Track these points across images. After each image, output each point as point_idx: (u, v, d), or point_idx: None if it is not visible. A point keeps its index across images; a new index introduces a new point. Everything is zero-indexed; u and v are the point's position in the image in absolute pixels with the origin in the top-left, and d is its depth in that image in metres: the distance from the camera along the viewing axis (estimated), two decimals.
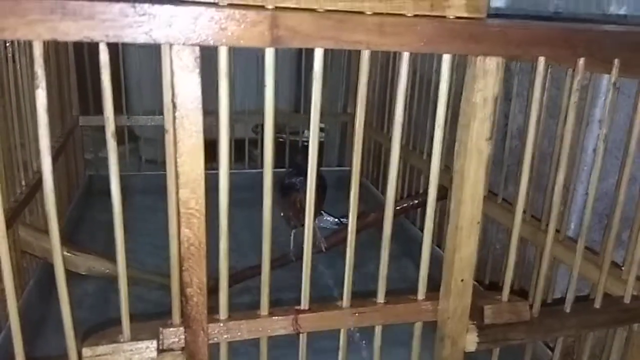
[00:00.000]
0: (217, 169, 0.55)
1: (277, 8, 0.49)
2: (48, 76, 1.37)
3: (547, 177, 0.95)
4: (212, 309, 0.60)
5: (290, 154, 1.87)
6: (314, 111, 0.57)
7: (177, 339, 0.59)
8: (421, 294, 0.68)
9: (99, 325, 0.60)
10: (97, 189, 1.76)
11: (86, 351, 0.54)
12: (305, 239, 0.65)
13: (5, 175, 1.02)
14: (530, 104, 0.63)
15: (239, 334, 0.62)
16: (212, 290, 0.59)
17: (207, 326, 0.58)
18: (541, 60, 0.59)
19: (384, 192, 1.74)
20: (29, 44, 1.24)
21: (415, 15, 0.54)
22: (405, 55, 0.57)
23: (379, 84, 1.72)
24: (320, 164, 1.37)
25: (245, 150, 1.97)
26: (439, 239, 1.41)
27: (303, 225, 1.41)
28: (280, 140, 2.00)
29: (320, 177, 1.33)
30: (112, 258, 1.19)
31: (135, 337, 0.57)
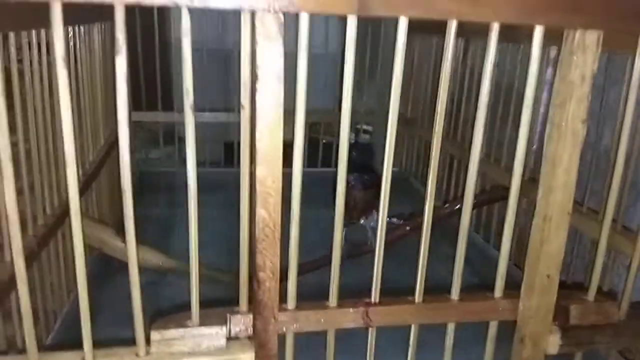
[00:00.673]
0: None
1: None
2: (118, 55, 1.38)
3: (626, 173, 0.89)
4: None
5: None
6: (394, 86, 0.54)
7: (244, 327, 0.56)
8: (499, 291, 0.64)
9: (158, 313, 0.59)
10: (147, 185, 1.77)
11: (154, 335, 0.52)
12: (378, 232, 0.61)
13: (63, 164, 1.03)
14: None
15: (307, 324, 0.58)
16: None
17: (278, 314, 0.55)
18: None
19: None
20: (89, 46, 1.26)
21: None
22: (495, 27, 0.53)
23: (432, 81, 1.68)
24: (371, 164, 1.34)
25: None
26: (486, 235, 1.36)
27: (354, 222, 1.38)
28: (324, 142, 1.97)
29: (376, 175, 1.30)
30: (165, 251, 1.19)
31: (203, 323, 0.54)
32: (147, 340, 0.52)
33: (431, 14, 0.49)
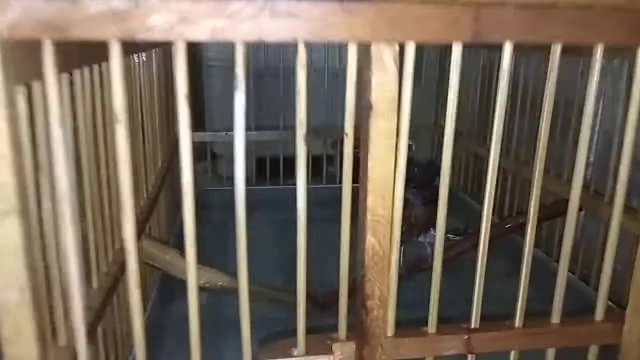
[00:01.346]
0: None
1: (478, 3, 0.46)
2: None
3: None
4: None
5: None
6: (498, 118, 0.53)
7: (346, 356, 0.56)
8: (600, 314, 0.62)
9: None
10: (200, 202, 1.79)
11: None
12: (479, 249, 0.60)
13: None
14: None
15: (408, 352, 0.58)
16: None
17: (384, 342, 0.55)
18: None
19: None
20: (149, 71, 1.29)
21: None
22: (600, 49, 0.52)
23: (480, 93, 1.66)
24: (433, 179, 1.33)
25: (323, 167, 1.94)
26: (546, 250, 1.33)
27: (410, 239, 1.36)
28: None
29: (434, 190, 1.29)
30: (227, 271, 1.20)
31: (309, 351, 0.54)
32: None
33: (539, 38, 0.48)
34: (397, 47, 0.46)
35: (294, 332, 0.56)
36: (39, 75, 0.42)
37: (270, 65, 1.81)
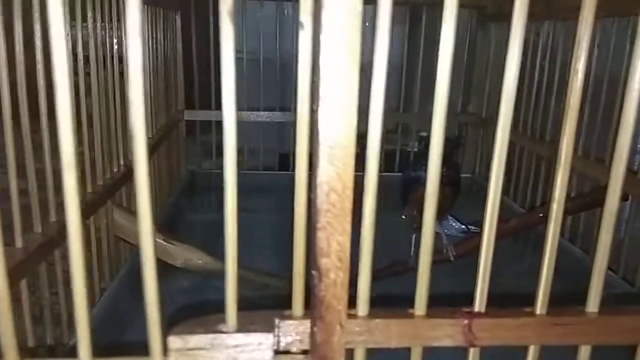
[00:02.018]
0: None
1: None
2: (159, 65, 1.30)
3: None
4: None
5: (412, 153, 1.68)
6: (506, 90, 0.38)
7: (298, 337, 0.41)
8: None
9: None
10: (199, 185, 1.67)
11: (174, 341, 0.37)
12: (486, 218, 0.45)
13: (102, 150, 0.92)
14: None
15: (385, 338, 0.42)
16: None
17: (346, 320, 0.39)
18: None
19: (516, 199, 1.49)
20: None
21: None
22: None
23: None
24: (454, 157, 1.16)
25: None
26: (581, 242, 1.15)
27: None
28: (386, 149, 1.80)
29: (457, 171, 1.12)
30: (212, 253, 1.06)
31: (243, 328, 0.39)
32: (165, 350, 0.38)
33: None
34: None
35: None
36: None
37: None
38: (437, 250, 1.13)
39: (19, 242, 0.63)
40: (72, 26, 0.79)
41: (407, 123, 1.88)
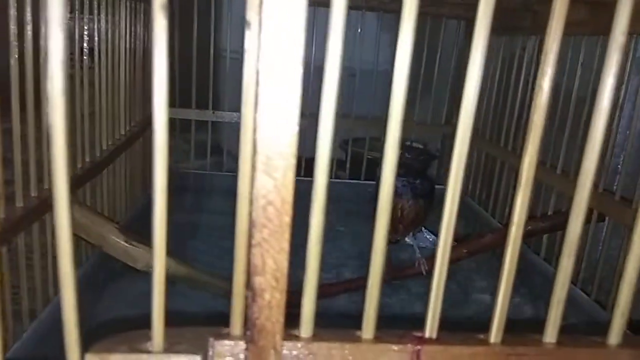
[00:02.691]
0: None
1: None
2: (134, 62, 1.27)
3: None
4: (288, 322, 0.39)
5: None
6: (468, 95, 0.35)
7: (232, 359, 0.38)
8: (615, 336, 0.43)
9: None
10: (175, 184, 1.63)
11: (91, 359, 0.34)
12: (440, 243, 0.42)
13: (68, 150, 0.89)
14: None
15: None
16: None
17: (282, 344, 0.36)
18: None
19: (494, 214, 1.47)
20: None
21: None
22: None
23: (497, 87, 1.47)
24: (426, 168, 1.14)
25: (332, 170, 1.79)
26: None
27: (398, 240, 1.17)
28: (369, 157, 1.78)
29: (430, 182, 1.10)
30: (176, 256, 1.02)
31: (170, 348, 0.36)
32: None
33: None
34: None
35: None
36: None
37: None
38: (409, 264, 1.11)
39: None
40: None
41: None
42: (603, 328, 0.44)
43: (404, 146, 1.10)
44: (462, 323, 1.03)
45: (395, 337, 0.41)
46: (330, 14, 0.33)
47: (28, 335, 0.77)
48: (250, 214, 0.35)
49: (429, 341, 0.41)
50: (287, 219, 0.33)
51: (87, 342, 0.36)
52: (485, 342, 0.42)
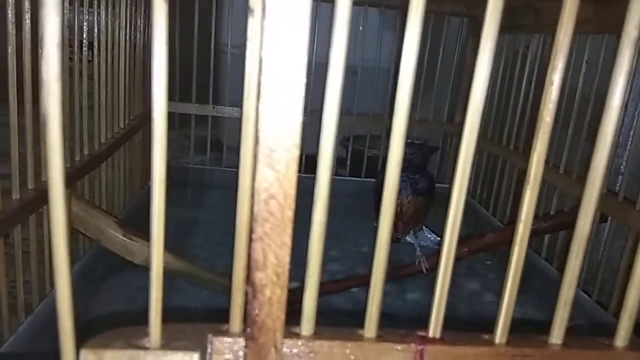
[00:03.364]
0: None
1: None
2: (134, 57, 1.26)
3: None
4: (289, 319, 0.38)
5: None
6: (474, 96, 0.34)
7: (232, 356, 0.37)
8: (622, 339, 0.42)
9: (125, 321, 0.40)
10: (175, 179, 1.63)
11: (86, 356, 0.33)
12: (444, 242, 0.41)
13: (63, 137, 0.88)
14: None
15: None
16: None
17: (282, 342, 0.35)
18: None
19: (495, 213, 1.46)
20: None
21: None
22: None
23: (500, 85, 1.46)
24: (426, 165, 1.13)
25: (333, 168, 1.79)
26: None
27: (399, 239, 1.16)
28: (369, 155, 1.77)
29: (430, 178, 1.09)
30: (174, 251, 1.01)
31: (168, 345, 0.35)
32: None
33: None
34: None
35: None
36: None
37: None
38: (409, 263, 1.10)
39: None
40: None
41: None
42: (605, 329, 0.44)
43: (405, 143, 1.09)
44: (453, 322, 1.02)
45: (398, 336, 0.40)
46: (335, 7, 0.32)
47: (24, 329, 0.76)
48: (251, 208, 0.34)
49: (433, 341, 0.40)
50: (289, 213, 0.32)
51: (84, 337, 0.35)
52: (490, 343, 0.41)
